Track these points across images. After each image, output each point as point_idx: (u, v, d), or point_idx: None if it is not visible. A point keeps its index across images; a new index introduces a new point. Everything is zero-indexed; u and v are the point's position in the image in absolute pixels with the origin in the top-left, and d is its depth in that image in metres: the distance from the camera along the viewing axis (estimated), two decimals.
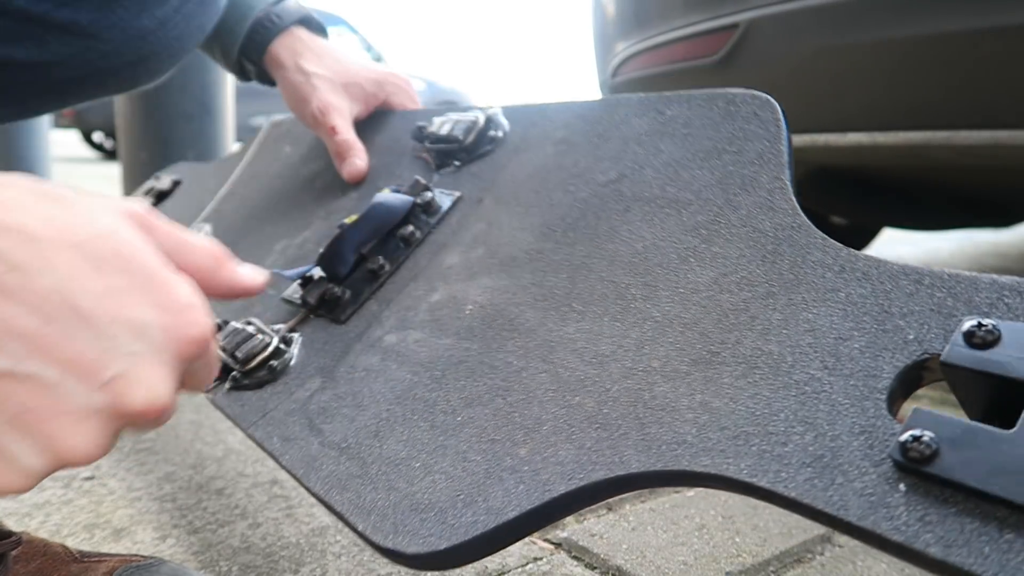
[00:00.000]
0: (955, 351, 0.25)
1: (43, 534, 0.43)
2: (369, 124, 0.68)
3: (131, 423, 0.26)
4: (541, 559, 0.46)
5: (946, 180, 1.26)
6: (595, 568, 0.45)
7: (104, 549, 0.44)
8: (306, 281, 0.51)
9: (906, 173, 1.23)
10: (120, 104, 1.30)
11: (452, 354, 0.41)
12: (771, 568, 0.46)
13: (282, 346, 0.47)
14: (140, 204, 0.30)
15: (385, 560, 0.45)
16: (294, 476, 0.40)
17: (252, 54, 0.68)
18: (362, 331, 0.47)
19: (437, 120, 0.60)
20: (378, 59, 7.06)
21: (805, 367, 0.28)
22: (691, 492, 0.56)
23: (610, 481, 0.29)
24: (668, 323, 0.35)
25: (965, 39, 0.84)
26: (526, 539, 0.48)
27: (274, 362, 0.47)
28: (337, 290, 0.49)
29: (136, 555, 0.32)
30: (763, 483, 0.25)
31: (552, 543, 0.48)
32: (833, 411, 0.26)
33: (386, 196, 0.53)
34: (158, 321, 0.27)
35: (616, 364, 0.34)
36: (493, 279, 0.45)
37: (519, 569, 0.44)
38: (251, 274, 0.33)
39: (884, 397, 0.25)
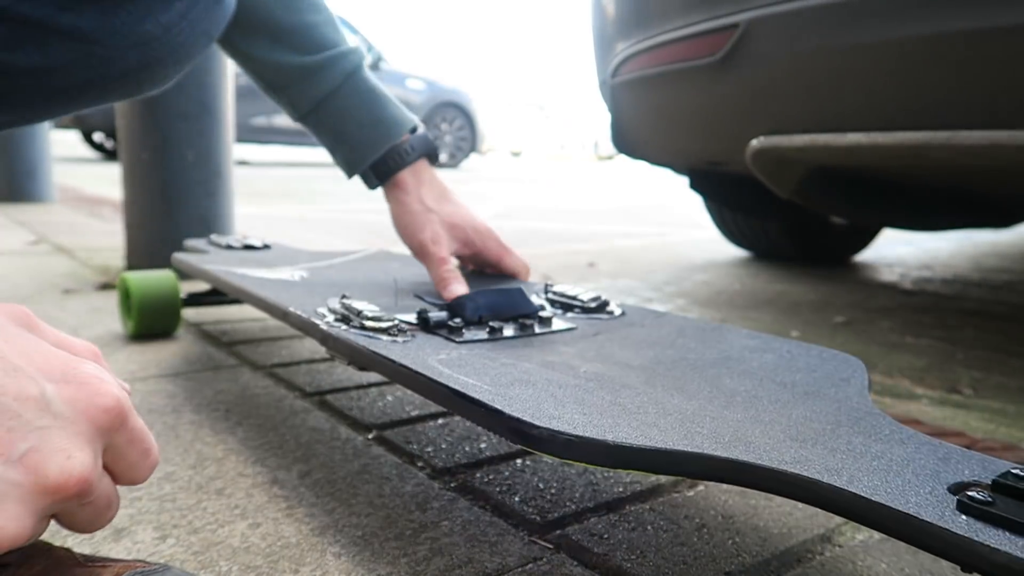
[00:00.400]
0: (1009, 477, 0.33)
1: (43, 535, 0.43)
2: (486, 279, 0.78)
3: (53, 498, 0.26)
4: (541, 559, 0.46)
5: (946, 180, 1.26)
6: (595, 568, 0.45)
7: (104, 549, 0.44)
8: (420, 314, 0.56)
9: (906, 173, 1.23)
10: (120, 104, 1.30)
11: (568, 379, 0.46)
12: (771, 568, 0.46)
13: (397, 331, 0.53)
14: (22, 307, 0.31)
15: (385, 560, 0.45)
16: (409, 373, 0.44)
17: (380, 172, 0.75)
18: (476, 349, 0.52)
19: (561, 286, 0.69)
20: (379, 59, 7.05)
21: (880, 461, 0.36)
22: (691, 492, 0.56)
23: (739, 464, 0.35)
24: (768, 421, 0.41)
25: (965, 39, 0.84)
26: (526, 539, 0.48)
27: (394, 331, 0.52)
28: (458, 321, 0.55)
29: (140, 560, 0.32)
30: (857, 490, 0.32)
31: (552, 543, 0.48)
32: (906, 485, 0.34)
33: (524, 289, 0.61)
34: (62, 393, 0.27)
35: (726, 426, 0.40)
36: (605, 367, 0.50)
37: (519, 569, 0.44)
38: (121, 382, 0.34)
39: (945, 487, 0.34)
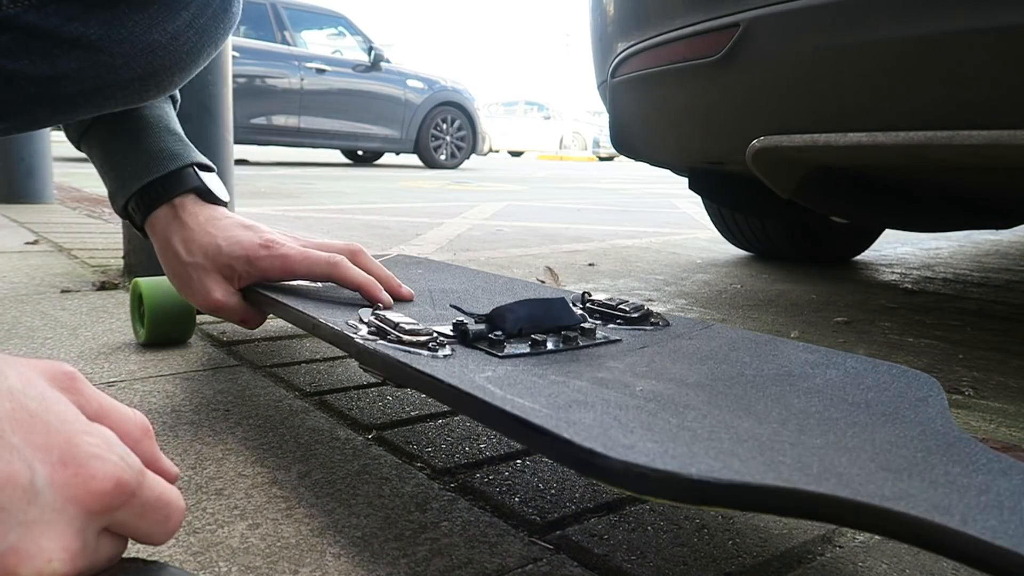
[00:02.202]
0: None
1: None
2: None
3: None
4: (541, 560, 0.45)
5: (946, 180, 1.25)
6: (595, 569, 0.45)
7: None
8: (458, 326, 0.53)
9: (906, 173, 1.22)
10: None
11: (625, 399, 0.43)
12: (771, 568, 0.46)
13: (437, 345, 0.50)
14: (67, 367, 0.30)
15: (385, 560, 0.45)
16: (458, 393, 0.41)
17: (134, 217, 0.70)
18: (522, 365, 0.48)
19: (602, 295, 0.66)
20: (379, 58, 7.05)
21: (988, 496, 0.33)
22: None
23: (838, 500, 0.31)
24: (852, 448, 0.38)
25: (965, 39, 0.84)
26: (526, 539, 0.48)
27: (433, 345, 0.49)
28: (500, 334, 0.52)
29: (137, 558, 0.32)
30: (976, 532, 0.29)
31: (552, 544, 0.48)
32: None
33: (568, 301, 0.58)
34: (55, 478, 0.25)
35: (809, 454, 0.37)
36: (662, 384, 0.46)
37: (519, 570, 0.44)
38: (171, 464, 0.32)
39: None
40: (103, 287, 1.23)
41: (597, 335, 0.56)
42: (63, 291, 1.18)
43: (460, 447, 0.63)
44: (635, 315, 0.62)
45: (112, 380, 0.76)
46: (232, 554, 0.45)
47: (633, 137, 1.51)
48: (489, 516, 0.51)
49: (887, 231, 2.40)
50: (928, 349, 1.07)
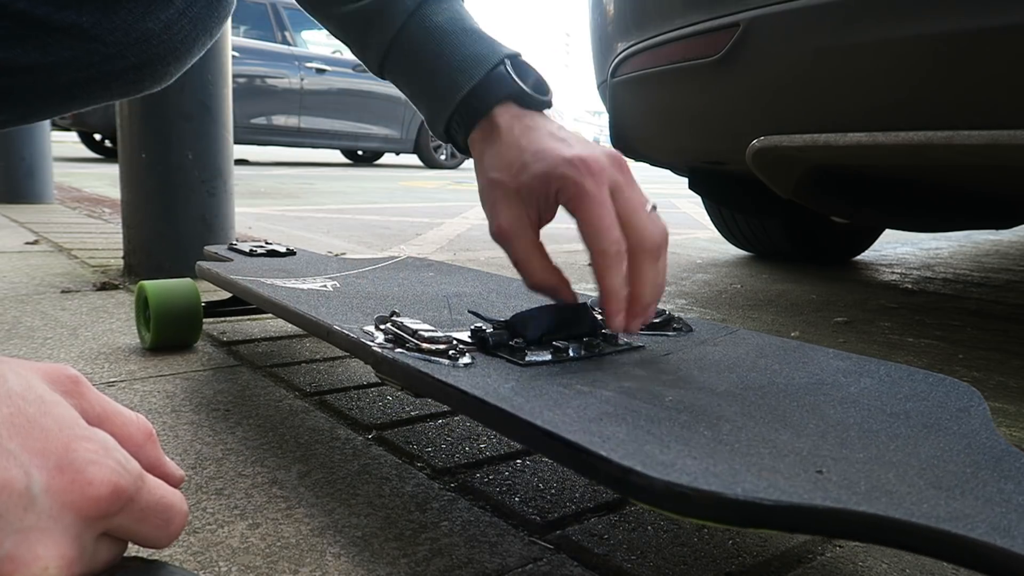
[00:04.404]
0: None
1: None
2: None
3: None
4: (541, 560, 0.45)
5: (946, 180, 1.25)
6: (595, 568, 0.45)
7: None
8: (477, 333, 0.52)
9: (906, 173, 1.22)
10: (120, 104, 1.30)
11: (656, 410, 0.41)
12: (772, 568, 0.46)
13: (457, 353, 0.48)
14: (70, 370, 0.30)
15: (385, 560, 0.45)
16: (483, 405, 0.39)
17: (457, 138, 0.59)
18: (545, 374, 0.47)
19: None
20: None
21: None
22: None
23: (893, 522, 0.30)
24: (897, 463, 0.36)
25: (965, 39, 0.84)
26: (526, 539, 0.48)
27: (453, 353, 0.48)
28: (520, 341, 0.50)
29: (138, 556, 0.32)
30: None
31: (552, 543, 0.48)
32: None
33: (589, 306, 0.56)
34: (51, 485, 0.25)
35: (855, 470, 0.35)
36: (690, 394, 0.44)
37: (519, 569, 0.44)
38: (175, 467, 0.32)
39: None
40: (103, 287, 1.23)
41: (619, 341, 0.55)
42: (63, 291, 1.19)
43: (460, 447, 0.63)
44: (656, 320, 0.60)
45: (112, 380, 0.76)
46: (232, 554, 0.45)
47: (633, 137, 1.51)
48: (489, 516, 0.51)
49: (887, 231, 2.40)
50: (928, 349, 1.07)
